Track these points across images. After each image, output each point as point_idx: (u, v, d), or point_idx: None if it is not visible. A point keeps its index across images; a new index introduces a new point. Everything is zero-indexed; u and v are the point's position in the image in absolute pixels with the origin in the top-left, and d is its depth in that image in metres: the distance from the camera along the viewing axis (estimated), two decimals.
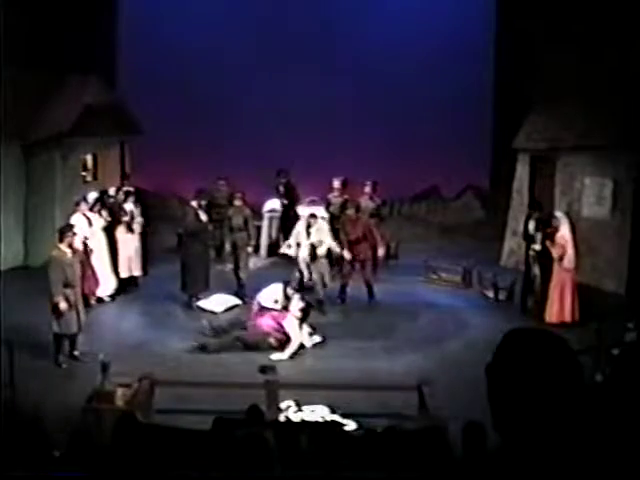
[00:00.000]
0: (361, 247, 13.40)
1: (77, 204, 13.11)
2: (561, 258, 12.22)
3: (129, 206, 13.94)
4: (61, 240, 10.82)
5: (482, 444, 5.73)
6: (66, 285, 10.56)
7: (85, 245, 12.43)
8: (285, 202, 16.12)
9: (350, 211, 13.81)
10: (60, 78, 15.41)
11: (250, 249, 13.93)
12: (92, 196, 13.44)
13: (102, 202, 13.50)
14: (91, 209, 13.18)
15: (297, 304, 11.52)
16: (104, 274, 13.16)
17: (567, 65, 14.83)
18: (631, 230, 13.80)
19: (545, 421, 2.05)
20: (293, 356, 11.14)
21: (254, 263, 14.79)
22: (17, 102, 14.29)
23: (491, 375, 2.14)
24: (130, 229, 13.76)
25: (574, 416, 2.06)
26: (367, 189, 14.97)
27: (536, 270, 12.81)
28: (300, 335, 11.33)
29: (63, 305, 10.44)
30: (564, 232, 12.28)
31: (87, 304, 11.80)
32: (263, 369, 10.47)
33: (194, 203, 13.40)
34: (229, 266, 14.88)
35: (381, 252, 13.78)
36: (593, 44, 14.35)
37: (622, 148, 13.72)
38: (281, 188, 16.19)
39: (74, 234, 11.16)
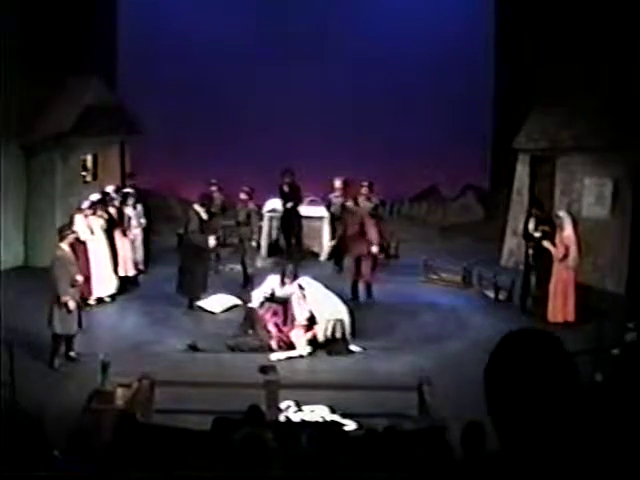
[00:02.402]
0: (357, 243, 13.50)
1: (79, 206, 13.08)
2: (565, 257, 12.21)
3: (128, 210, 13.92)
4: (61, 240, 10.83)
5: (482, 444, 5.73)
6: (72, 285, 10.56)
7: (85, 246, 12.46)
8: (291, 204, 16.11)
9: (349, 203, 13.92)
10: (60, 79, 15.39)
11: (254, 243, 14.16)
12: (93, 197, 13.45)
13: (104, 203, 13.50)
14: (93, 210, 13.17)
15: (302, 313, 11.49)
16: (104, 274, 13.14)
17: (567, 65, 14.82)
18: (631, 230, 13.80)
19: (542, 421, 2.05)
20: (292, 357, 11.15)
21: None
22: (17, 102, 14.28)
23: (488, 377, 2.14)
24: (124, 233, 13.73)
25: (571, 416, 2.06)
26: (364, 189, 14.99)
27: (535, 269, 12.82)
28: (304, 347, 11.30)
29: (72, 304, 10.43)
30: (569, 232, 12.28)
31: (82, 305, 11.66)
32: (263, 369, 10.47)
33: (197, 207, 13.38)
34: (229, 266, 14.96)
35: (374, 249, 13.55)
36: (593, 44, 14.34)
37: (622, 148, 13.72)
38: (286, 188, 16.21)
39: (74, 233, 11.16)
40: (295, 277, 11.68)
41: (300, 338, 11.28)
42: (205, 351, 11.17)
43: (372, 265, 13.64)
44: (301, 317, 11.41)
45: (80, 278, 10.84)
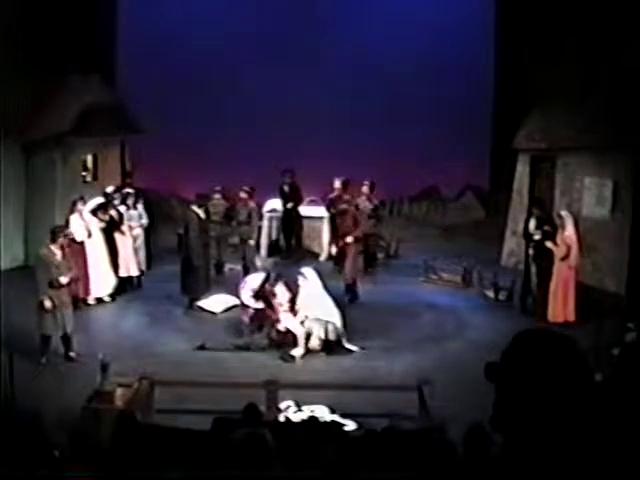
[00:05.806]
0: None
1: (74, 204, 13.06)
2: (566, 257, 12.21)
3: (122, 208, 13.89)
4: (53, 240, 10.80)
5: (486, 446, 5.71)
6: (52, 285, 10.54)
7: (82, 246, 12.47)
8: (291, 204, 16.12)
9: (343, 206, 14.00)
10: (60, 78, 15.39)
11: (252, 242, 14.26)
12: (96, 201, 13.44)
13: (105, 205, 13.51)
14: (94, 212, 13.16)
15: (283, 296, 11.46)
16: (103, 274, 13.15)
17: (567, 65, 14.82)
18: (631, 230, 13.79)
19: (554, 421, 2.05)
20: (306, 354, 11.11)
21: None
22: (17, 102, 14.28)
23: (503, 375, 2.13)
24: (121, 232, 13.71)
25: (581, 417, 2.07)
26: (365, 189, 14.94)
27: (535, 269, 12.82)
28: (300, 326, 11.22)
29: (48, 304, 10.45)
30: (570, 232, 12.28)
31: (75, 306, 11.59)
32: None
33: (195, 208, 13.39)
34: (229, 266, 14.99)
35: (349, 239, 13.41)
36: (593, 44, 14.34)
37: (622, 148, 13.72)
38: (286, 188, 16.23)
39: (66, 236, 11.14)
40: (277, 281, 11.71)
41: (291, 322, 11.23)
42: (212, 350, 11.17)
43: (355, 264, 13.53)
44: (284, 300, 11.36)
45: (64, 280, 10.70)
